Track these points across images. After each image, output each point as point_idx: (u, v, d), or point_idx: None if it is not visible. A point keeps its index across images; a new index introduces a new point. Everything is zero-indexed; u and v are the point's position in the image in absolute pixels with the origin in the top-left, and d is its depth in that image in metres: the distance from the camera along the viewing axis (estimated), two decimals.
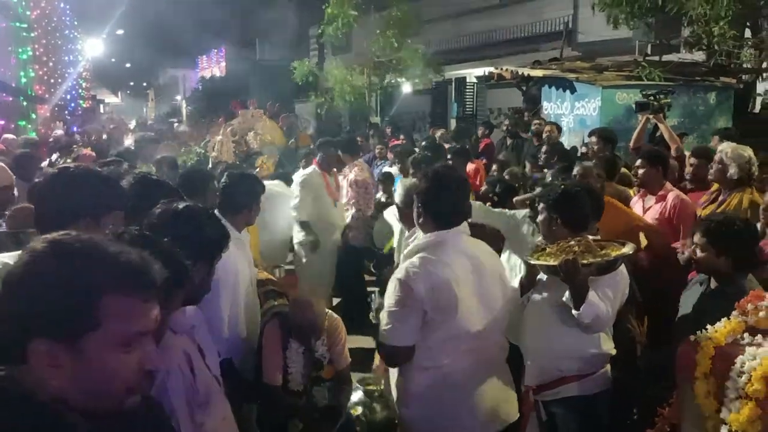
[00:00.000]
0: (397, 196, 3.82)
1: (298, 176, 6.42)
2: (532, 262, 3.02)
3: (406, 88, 14.99)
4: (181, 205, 2.21)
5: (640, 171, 4.87)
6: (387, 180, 7.00)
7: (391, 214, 5.44)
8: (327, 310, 3.75)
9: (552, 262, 2.90)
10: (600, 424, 3.09)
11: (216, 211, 3.56)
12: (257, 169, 7.77)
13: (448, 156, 7.04)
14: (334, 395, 3.64)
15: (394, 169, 7.32)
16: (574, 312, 2.85)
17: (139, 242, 1.44)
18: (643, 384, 3.35)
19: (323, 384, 3.64)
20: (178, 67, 39.78)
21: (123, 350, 1.20)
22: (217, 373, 2.18)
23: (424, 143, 8.76)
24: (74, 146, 7.40)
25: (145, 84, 48.97)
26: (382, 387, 4.21)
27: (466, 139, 8.69)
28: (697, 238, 3.16)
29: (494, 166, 7.11)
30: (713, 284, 3.16)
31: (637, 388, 3.38)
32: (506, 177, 5.77)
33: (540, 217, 3.25)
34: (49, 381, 1.16)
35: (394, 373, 2.96)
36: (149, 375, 1.32)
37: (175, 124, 21.74)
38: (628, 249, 2.96)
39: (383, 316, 2.75)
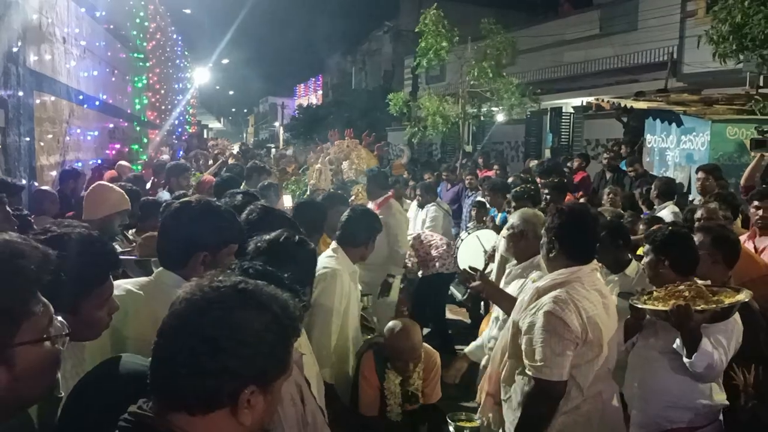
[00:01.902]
0: (513, 226, 3.73)
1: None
2: (640, 306, 2.92)
3: (500, 117, 14.91)
4: (281, 237, 2.31)
5: (762, 211, 4.62)
6: (481, 209, 6.96)
7: (480, 241, 5.44)
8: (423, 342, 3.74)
9: (661, 306, 2.80)
10: None
11: (335, 243, 3.68)
12: (353, 197, 7.92)
13: (546, 191, 6.91)
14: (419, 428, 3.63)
15: (484, 200, 7.26)
16: (685, 360, 2.73)
17: (263, 277, 1.50)
18: None
19: (415, 416, 3.63)
20: (277, 95, 41.38)
21: None
22: (322, 403, 2.22)
23: (519, 174, 8.66)
24: (190, 172, 7.73)
25: (245, 110, 51.16)
26: (477, 423, 4.14)
27: (553, 175, 8.49)
28: None
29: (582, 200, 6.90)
30: None
31: None
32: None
33: (646, 259, 3.15)
34: (242, 422, 1.22)
35: (510, 409, 2.91)
36: None
37: (273, 150, 22.55)
38: (743, 296, 2.81)
39: (535, 351, 2.68)
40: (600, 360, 2.71)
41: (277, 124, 39.65)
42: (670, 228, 3.17)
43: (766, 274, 3.96)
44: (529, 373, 2.70)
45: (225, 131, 45.47)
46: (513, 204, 5.19)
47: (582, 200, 7.51)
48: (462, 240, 6.29)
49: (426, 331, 6.43)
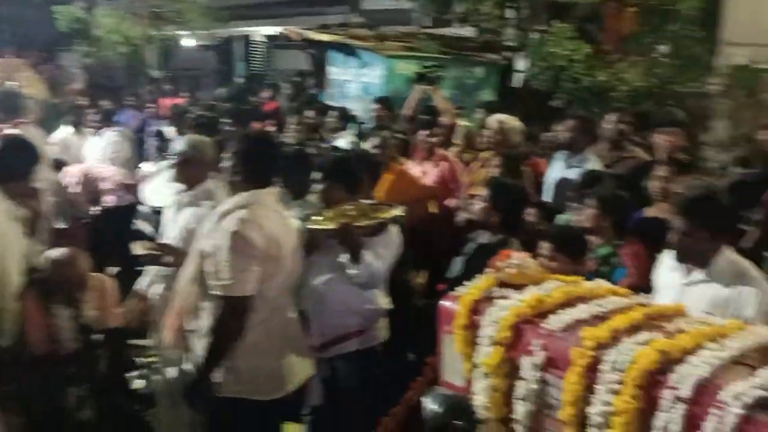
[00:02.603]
0: (180, 152, 3.63)
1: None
2: (312, 227, 3.15)
3: (188, 42, 14.27)
4: None
5: (430, 138, 5.24)
6: (162, 138, 6.62)
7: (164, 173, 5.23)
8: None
9: (330, 226, 3.07)
10: (378, 374, 3.34)
11: None
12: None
13: (230, 119, 6.85)
14: (112, 361, 3.47)
15: (170, 129, 6.91)
16: (351, 272, 3.05)
17: None
18: (417, 330, 3.67)
19: (99, 351, 3.44)
20: None
21: None
22: None
23: (205, 102, 8.47)
24: None
25: None
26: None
27: (235, 101, 8.47)
28: (482, 194, 3.50)
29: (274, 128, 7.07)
30: (480, 241, 3.55)
31: (412, 334, 3.70)
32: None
33: (319, 187, 3.41)
34: None
35: (199, 338, 2.91)
36: None
37: None
38: (397, 211, 3.24)
39: (221, 271, 2.72)
40: (282, 274, 2.90)
41: None
42: (339, 155, 3.45)
43: (423, 195, 4.58)
44: (218, 292, 2.75)
45: None
46: (191, 131, 5.07)
47: (272, 129, 7.64)
48: (145, 171, 5.95)
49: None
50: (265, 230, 2.79)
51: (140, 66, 14.07)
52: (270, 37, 15.06)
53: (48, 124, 7.23)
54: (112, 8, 12.93)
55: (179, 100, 9.95)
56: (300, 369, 3.02)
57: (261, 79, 15.84)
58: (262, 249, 2.77)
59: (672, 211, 3.47)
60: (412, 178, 4.83)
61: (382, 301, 3.37)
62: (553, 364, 1.91)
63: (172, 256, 3.29)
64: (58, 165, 5.72)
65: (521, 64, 9.32)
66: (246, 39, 16.89)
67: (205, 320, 2.90)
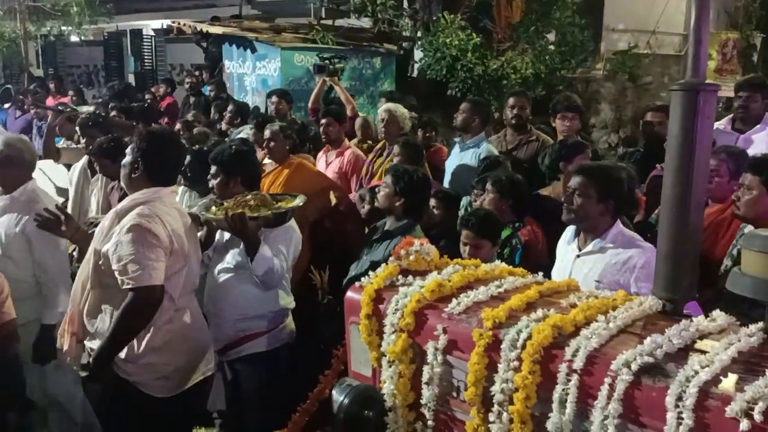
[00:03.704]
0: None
1: None
2: (204, 216, 3.06)
3: (74, 38, 13.54)
4: None
5: (329, 128, 5.26)
6: (51, 139, 6.25)
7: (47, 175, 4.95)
8: None
9: (220, 215, 2.99)
10: (281, 376, 3.27)
11: None
12: None
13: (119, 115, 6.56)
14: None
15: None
16: (248, 264, 2.99)
17: None
18: (324, 326, 3.65)
19: None
20: None
21: None
22: None
23: (98, 101, 8.07)
24: None
25: None
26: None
27: (125, 99, 8.11)
28: (387, 181, 3.49)
29: (178, 125, 6.86)
30: (387, 227, 3.53)
31: (319, 330, 3.66)
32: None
33: (215, 181, 3.30)
34: None
35: (100, 341, 2.76)
36: None
37: None
38: (298, 201, 3.17)
39: (128, 265, 2.59)
40: (185, 272, 2.81)
41: None
42: (234, 148, 3.35)
43: (322, 187, 4.53)
44: (128, 285, 2.62)
45: None
46: (79, 132, 4.80)
47: (177, 126, 7.37)
48: None
49: None
50: (167, 225, 2.72)
51: (21, 64, 13.22)
52: (162, 31, 14.52)
53: None
54: None
55: (65, 99, 9.44)
56: (201, 368, 2.94)
57: (154, 74, 15.24)
58: (166, 242, 2.69)
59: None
60: (311, 170, 4.75)
61: (285, 300, 3.29)
62: (456, 346, 1.94)
63: (67, 227, 3.09)
64: None
65: (418, 54, 9.45)
66: (137, 33, 16.20)
67: (103, 322, 2.77)
